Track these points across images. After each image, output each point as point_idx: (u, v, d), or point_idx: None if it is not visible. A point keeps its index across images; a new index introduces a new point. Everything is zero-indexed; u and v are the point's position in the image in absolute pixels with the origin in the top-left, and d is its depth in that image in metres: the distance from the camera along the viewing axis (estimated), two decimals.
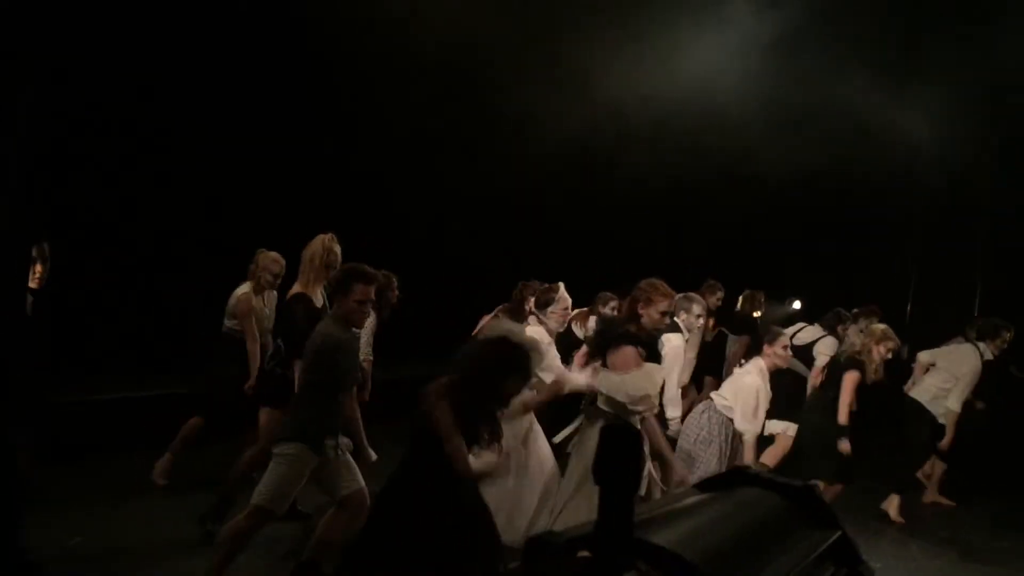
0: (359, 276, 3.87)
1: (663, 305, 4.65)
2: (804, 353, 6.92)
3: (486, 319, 5.61)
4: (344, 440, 3.95)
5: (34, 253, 4.72)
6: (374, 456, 4.22)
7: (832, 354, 6.47)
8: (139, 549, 4.49)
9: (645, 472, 4.17)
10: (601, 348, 4.32)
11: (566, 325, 5.70)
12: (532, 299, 5.34)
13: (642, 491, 4.13)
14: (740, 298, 8.34)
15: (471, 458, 3.30)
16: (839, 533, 1.84)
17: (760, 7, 7.76)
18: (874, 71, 7.81)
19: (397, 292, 5.56)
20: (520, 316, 5.30)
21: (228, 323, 5.65)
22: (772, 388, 5.35)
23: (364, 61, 7.69)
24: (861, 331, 6.34)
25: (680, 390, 5.17)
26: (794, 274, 10.29)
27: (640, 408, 4.11)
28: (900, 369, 7.05)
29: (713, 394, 5.42)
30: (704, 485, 2.00)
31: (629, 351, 4.19)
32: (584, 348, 4.76)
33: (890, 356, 5.75)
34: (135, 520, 4.94)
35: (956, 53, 7.69)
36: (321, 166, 8.18)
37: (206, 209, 7.51)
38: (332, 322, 3.90)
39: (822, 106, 8.07)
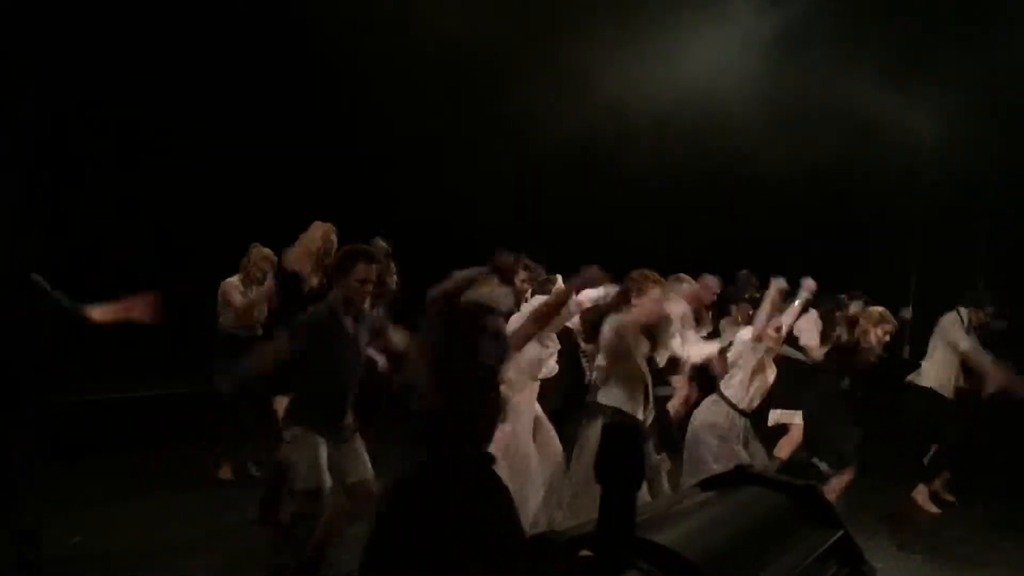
0: (361, 255, 3.79)
1: (655, 293, 4.67)
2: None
3: None
4: (349, 423, 3.85)
5: None
6: None
7: (814, 329, 6.44)
8: (139, 549, 4.48)
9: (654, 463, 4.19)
10: (596, 326, 4.34)
11: None
12: (524, 274, 5.18)
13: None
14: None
15: None
16: (841, 532, 1.84)
17: (761, 6, 7.76)
18: (875, 71, 7.81)
19: (395, 277, 5.47)
20: (507, 281, 5.12)
21: (222, 320, 5.65)
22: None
23: (364, 61, 7.69)
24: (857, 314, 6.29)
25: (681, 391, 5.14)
26: (794, 274, 10.25)
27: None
28: (900, 369, 7.03)
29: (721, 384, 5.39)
30: (706, 484, 2.00)
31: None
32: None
33: (887, 339, 5.70)
34: (135, 520, 4.93)
35: (957, 53, 7.68)
36: (321, 166, 8.18)
37: (206, 209, 7.51)
38: (325, 304, 3.79)
39: (823, 106, 8.06)
